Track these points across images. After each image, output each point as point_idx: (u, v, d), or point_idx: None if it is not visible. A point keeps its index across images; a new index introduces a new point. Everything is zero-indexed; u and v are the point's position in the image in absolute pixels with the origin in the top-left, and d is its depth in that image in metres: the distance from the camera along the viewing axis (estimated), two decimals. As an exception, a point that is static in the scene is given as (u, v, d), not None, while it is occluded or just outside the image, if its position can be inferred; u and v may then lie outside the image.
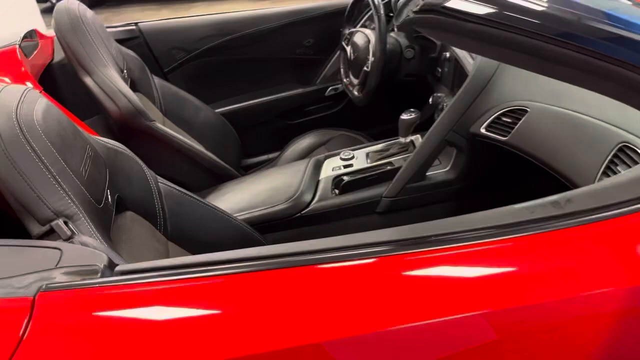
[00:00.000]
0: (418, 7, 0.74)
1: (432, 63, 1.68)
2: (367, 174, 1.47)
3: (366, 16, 1.97)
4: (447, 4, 0.74)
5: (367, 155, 1.57)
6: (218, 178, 1.61)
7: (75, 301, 0.62)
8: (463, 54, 1.47)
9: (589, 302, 0.63)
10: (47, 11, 6.22)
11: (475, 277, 0.64)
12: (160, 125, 1.44)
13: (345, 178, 1.46)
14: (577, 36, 0.69)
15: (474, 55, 1.40)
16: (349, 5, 1.96)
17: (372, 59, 1.62)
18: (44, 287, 0.61)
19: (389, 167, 1.49)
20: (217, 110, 1.96)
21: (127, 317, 0.61)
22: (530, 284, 0.63)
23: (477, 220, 0.70)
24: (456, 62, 1.52)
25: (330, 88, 2.12)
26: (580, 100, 1.09)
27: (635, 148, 0.91)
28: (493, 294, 0.62)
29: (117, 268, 0.68)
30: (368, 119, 2.10)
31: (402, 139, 1.55)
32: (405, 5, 0.79)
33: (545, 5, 0.73)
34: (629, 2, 0.79)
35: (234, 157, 1.90)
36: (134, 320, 0.61)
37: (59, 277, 0.64)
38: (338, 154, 1.59)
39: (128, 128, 1.40)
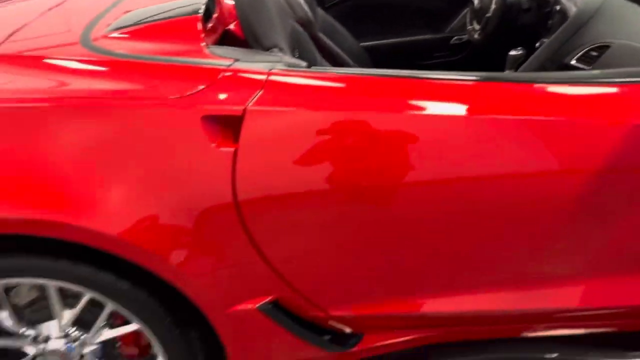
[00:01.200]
0: None
1: (544, 16, 2.01)
2: None
3: (496, -21, 2.32)
4: None
5: None
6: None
7: (291, 75, 1.13)
8: (570, 7, 1.80)
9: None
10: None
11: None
12: (323, 35, 1.95)
13: None
14: None
15: (578, 6, 1.73)
16: (482, -33, 2.33)
17: (494, 6, 2.00)
18: (272, 68, 1.13)
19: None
20: (360, 44, 2.44)
21: (315, 84, 1.13)
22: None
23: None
24: (564, 15, 1.85)
25: (455, 38, 2.51)
26: None
27: None
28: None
29: (312, 67, 1.18)
30: (483, 69, 2.46)
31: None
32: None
33: None
34: None
35: None
36: (319, 86, 1.13)
37: (280, 66, 1.15)
38: None
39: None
